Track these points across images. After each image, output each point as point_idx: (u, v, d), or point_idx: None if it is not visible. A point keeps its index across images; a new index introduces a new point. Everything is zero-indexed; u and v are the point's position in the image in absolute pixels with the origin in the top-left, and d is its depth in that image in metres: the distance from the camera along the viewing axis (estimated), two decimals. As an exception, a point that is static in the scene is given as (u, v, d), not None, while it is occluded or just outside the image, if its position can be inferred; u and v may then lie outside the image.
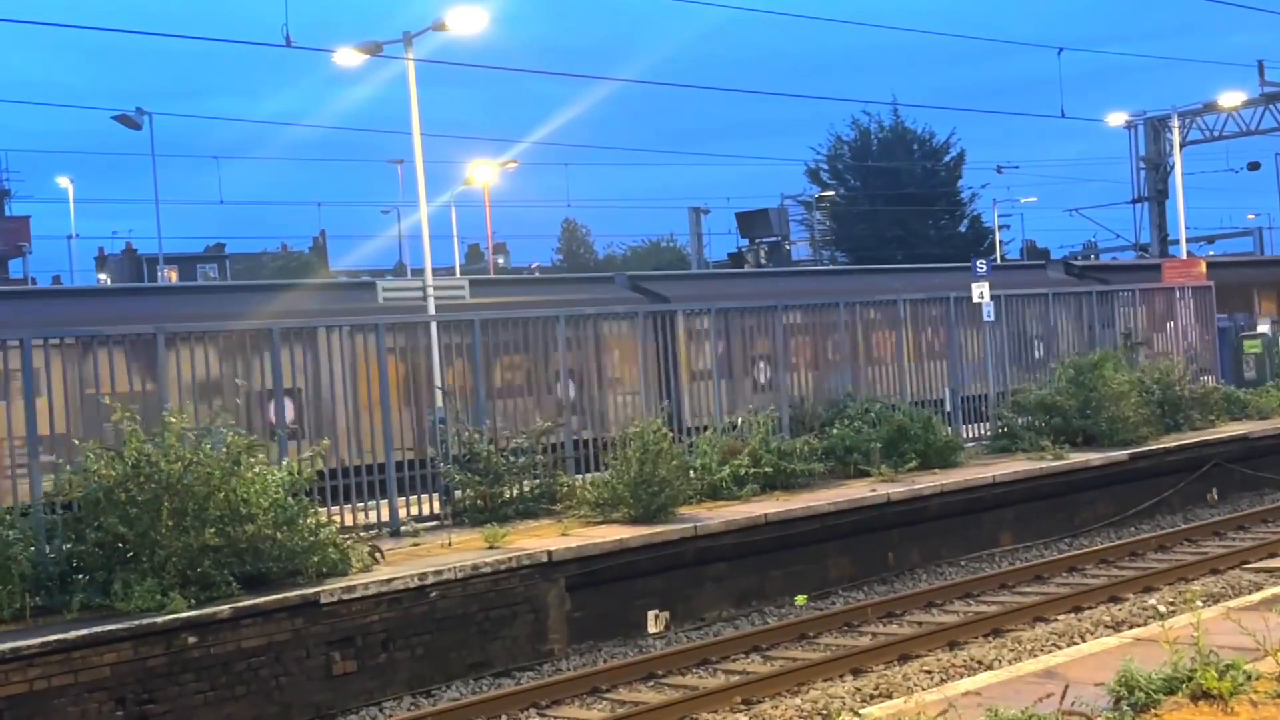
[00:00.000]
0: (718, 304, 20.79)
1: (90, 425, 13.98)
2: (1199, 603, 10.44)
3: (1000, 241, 68.29)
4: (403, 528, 15.93)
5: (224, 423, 13.51)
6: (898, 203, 63.71)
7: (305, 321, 17.12)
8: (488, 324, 17.71)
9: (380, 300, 19.16)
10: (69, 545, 12.76)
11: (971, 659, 12.93)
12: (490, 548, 14.55)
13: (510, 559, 14.05)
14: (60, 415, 13.94)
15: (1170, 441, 22.23)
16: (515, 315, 18.84)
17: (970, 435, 22.46)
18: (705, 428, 19.18)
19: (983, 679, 9.65)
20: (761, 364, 20.97)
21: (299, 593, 12.60)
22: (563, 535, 15.28)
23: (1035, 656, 12.02)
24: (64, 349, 14.60)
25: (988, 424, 22.80)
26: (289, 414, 15.82)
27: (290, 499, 13.21)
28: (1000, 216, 69.03)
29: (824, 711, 11.20)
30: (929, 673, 12.48)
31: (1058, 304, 24.68)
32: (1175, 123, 42.01)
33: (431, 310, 19.46)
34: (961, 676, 11.77)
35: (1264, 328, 30.71)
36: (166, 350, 14.80)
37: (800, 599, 16.16)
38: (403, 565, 13.81)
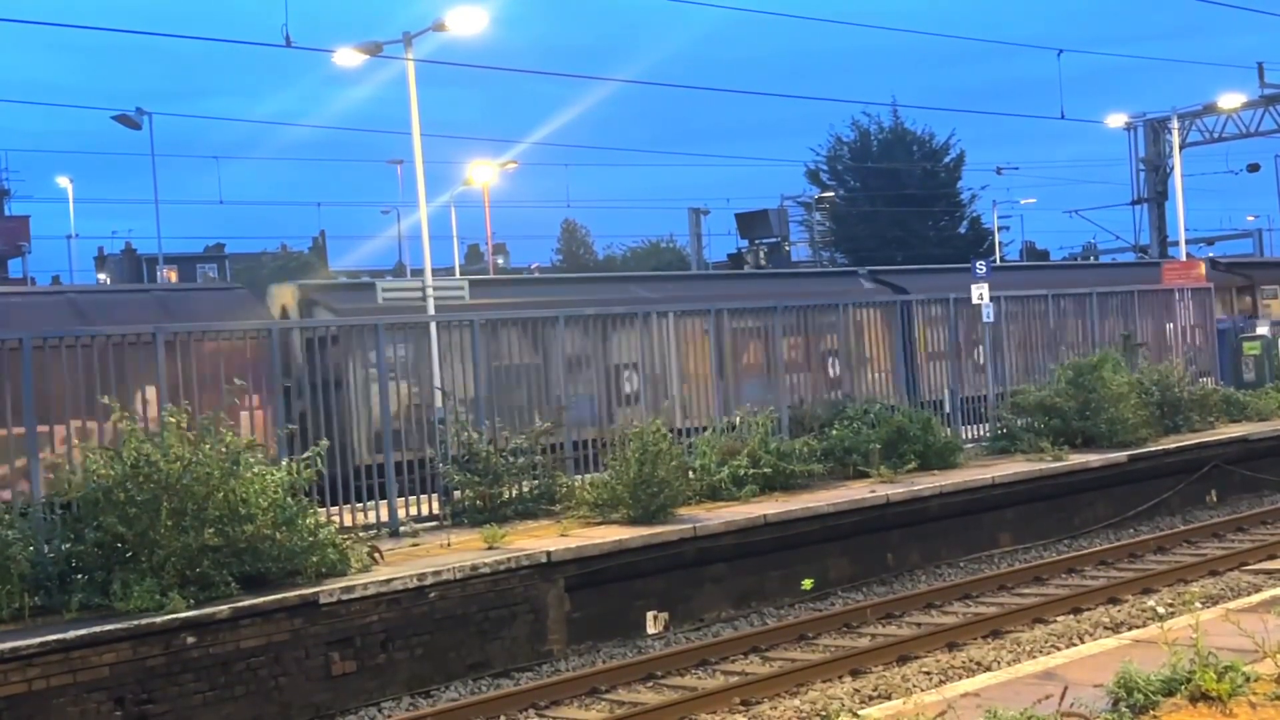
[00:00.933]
0: (954, 294, 22.97)
1: (500, 391, 17.71)
2: (1198, 604, 10.46)
3: (1000, 243, 68.34)
4: (402, 528, 15.94)
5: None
6: (897, 204, 63.72)
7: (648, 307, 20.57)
8: (780, 311, 20.94)
9: (385, 298, 19.83)
10: (68, 545, 12.76)
11: (971, 660, 12.94)
12: (489, 548, 14.55)
13: (509, 559, 14.05)
14: (483, 380, 17.19)
15: (1169, 443, 22.23)
16: (797, 304, 21.79)
17: (969, 436, 22.47)
18: (937, 401, 22.01)
19: (982, 680, 9.65)
20: (978, 348, 23.58)
21: (298, 593, 12.60)
22: (562, 536, 15.28)
23: (1034, 658, 12.03)
24: (478, 328, 17.39)
25: (987, 425, 22.82)
26: (633, 384, 19.16)
27: (289, 499, 13.21)
28: (1000, 218, 69.10)
29: (823, 712, 11.19)
30: (928, 674, 12.49)
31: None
32: (1175, 124, 42.00)
33: (431, 310, 19.47)
34: (961, 678, 11.78)
35: (1263, 329, 30.72)
36: (553, 329, 18.35)
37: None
38: (402, 565, 13.81)
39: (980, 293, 22.56)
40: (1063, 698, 7.98)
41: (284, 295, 22.17)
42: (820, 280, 32.11)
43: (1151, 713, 7.73)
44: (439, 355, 17.64)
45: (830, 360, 21.74)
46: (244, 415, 15.16)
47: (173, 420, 12.95)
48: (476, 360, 17.20)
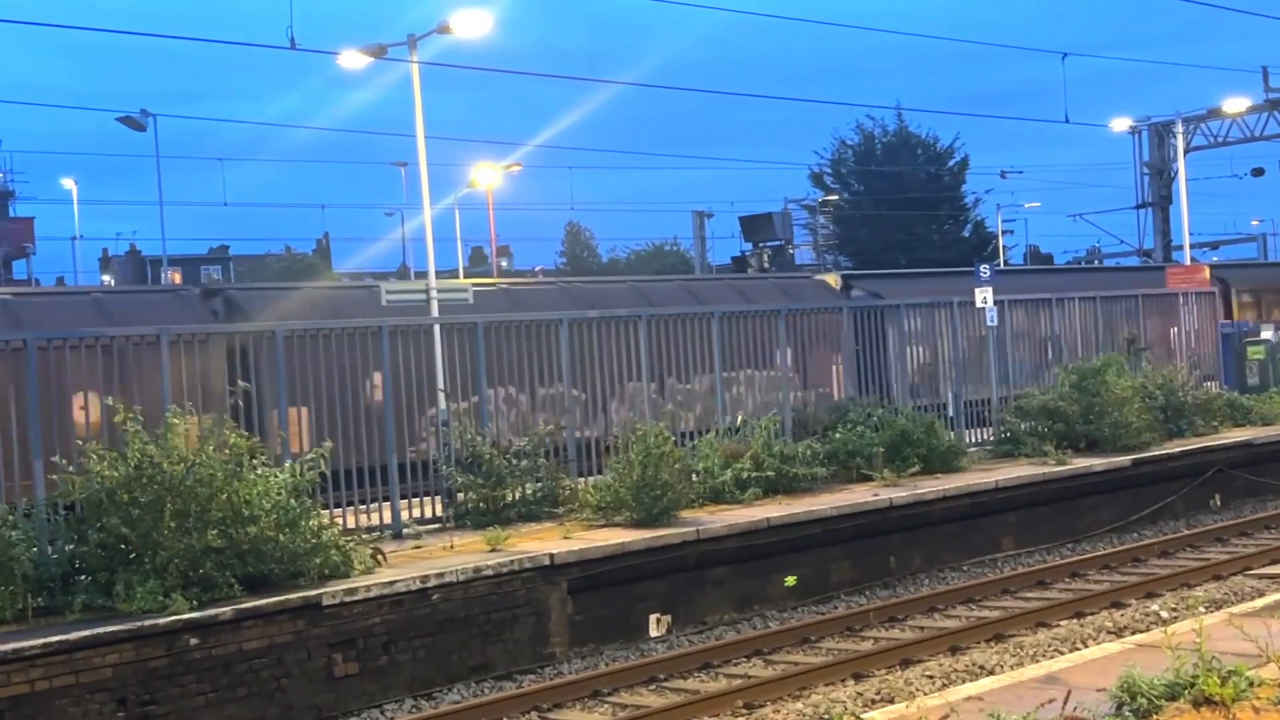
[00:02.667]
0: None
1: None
2: (1201, 608, 10.45)
3: (1004, 247, 68.29)
4: (405, 530, 15.94)
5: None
6: (901, 207, 63.69)
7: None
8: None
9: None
10: (71, 546, 12.77)
11: (973, 664, 12.93)
12: (492, 550, 14.55)
13: (512, 562, 14.05)
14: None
15: (1173, 447, 22.21)
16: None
17: (973, 440, 22.45)
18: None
19: (985, 684, 9.64)
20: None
21: (301, 595, 12.60)
22: (565, 538, 15.28)
23: (1037, 662, 12.01)
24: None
25: (990, 428, 22.81)
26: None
27: (292, 501, 13.22)
28: (1004, 221, 69.10)
29: (825, 715, 11.19)
30: (931, 677, 12.48)
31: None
32: (1179, 128, 42.01)
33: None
34: (963, 681, 11.77)
35: (1268, 334, 30.69)
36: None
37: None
38: (404, 567, 13.80)
39: (984, 296, 22.56)
40: (1066, 702, 7.96)
41: (830, 279, 29.46)
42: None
43: (1154, 717, 7.71)
44: (441, 356, 17.64)
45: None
46: (832, 368, 22.15)
47: (175, 421, 12.96)
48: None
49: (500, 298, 24.08)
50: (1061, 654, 12.52)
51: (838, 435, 19.62)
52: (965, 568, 18.21)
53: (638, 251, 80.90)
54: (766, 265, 44.42)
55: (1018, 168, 69.78)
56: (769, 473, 18.04)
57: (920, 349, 22.92)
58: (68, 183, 61.21)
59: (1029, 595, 16.27)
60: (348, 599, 12.79)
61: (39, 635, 11.32)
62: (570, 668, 13.96)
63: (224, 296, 21.94)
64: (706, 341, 19.73)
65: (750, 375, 20.91)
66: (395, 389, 16.43)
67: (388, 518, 16.02)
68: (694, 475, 17.59)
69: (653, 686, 12.89)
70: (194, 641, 11.86)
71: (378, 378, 16.50)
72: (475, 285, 22.78)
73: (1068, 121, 37.85)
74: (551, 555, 14.35)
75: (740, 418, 19.50)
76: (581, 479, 17.54)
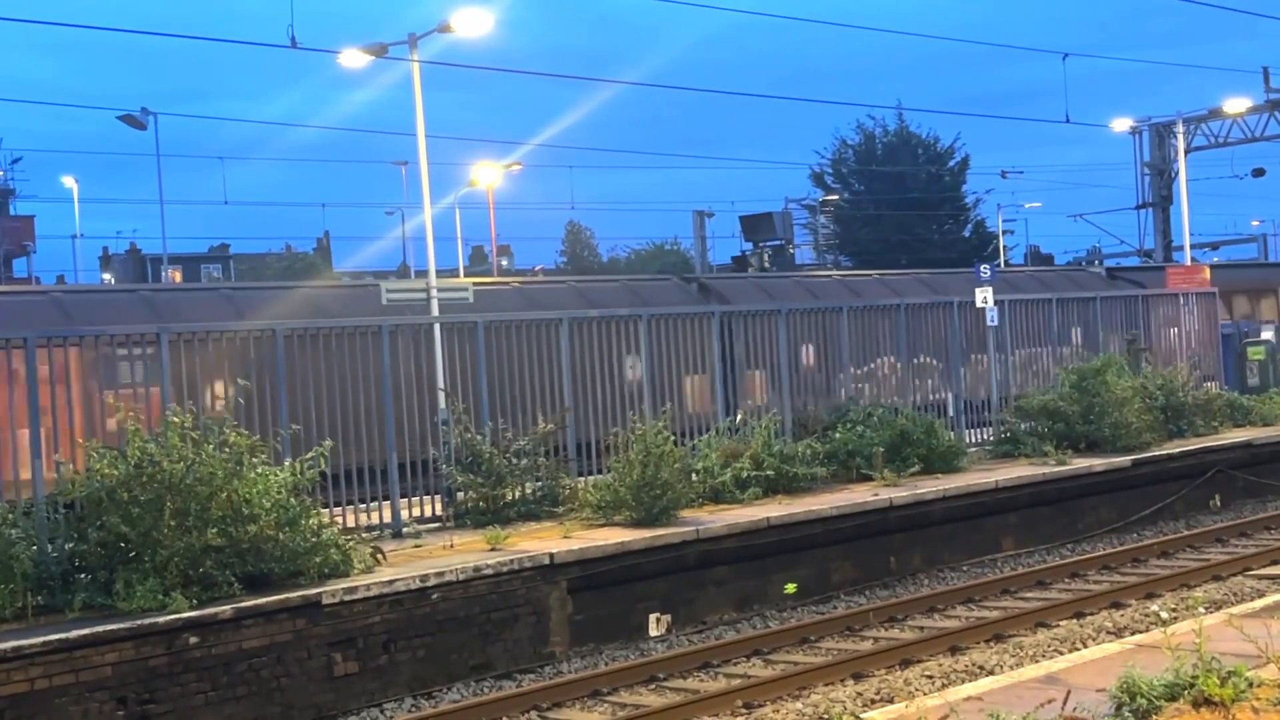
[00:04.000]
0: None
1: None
2: (1201, 609, 10.42)
3: (1005, 247, 68.28)
4: (405, 529, 15.95)
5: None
6: (902, 207, 63.70)
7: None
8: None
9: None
10: (71, 544, 12.77)
11: (973, 664, 12.93)
12: (492, 550, 14.55)
13: (512, 561, 14.05)
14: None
15: (1173, 448, 22.21)
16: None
17: (973, 440, 22.45)
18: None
19: (984, 684, 9.64)
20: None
21: (301, 593, 12.60)
22: (565, 538, 15.28)
23: (1037, 662, 12.00)
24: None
25: (990, 429, 22.81)
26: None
27: (292, 500, 13.22)
28: (1004, 221, 69.07)
29: (825, 715, 11.19)
30: (930, 677, 12.47)
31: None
32: (1180, 129, 42.00)
33: (435, 311, 19.47)
34: (963, 681, 11.77)
35: (1268, 334, 30.69)
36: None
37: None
38: (404, 567, 13.81)
39: (984, 296, 22.56)
40: (1065, 702, 7.97)
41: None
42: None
43: (1154, 718, 7.71)
44: (442, 356, 17.64)
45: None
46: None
47: (175, 420, 12.96)
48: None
49: (513, 296, 24.33)
50: (1061, 654, 12.51)
51: (837, 435, 19.62)
52: (965, 568, 18.21)
53: (638, 251, 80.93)
54: (767, 265, 44.45)
55: (1018, 168, 69.87)
56: (769, 472, 18.04)
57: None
58: (68, 181, 61.22)
59: (1029, 595, 16.27)
60: (348, 598, 12.79)
61: (39, 634, 11.32)
62: (570, 667, 13.96)
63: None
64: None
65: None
66: (396, 390, 16.41)
67: (387, 517, 16.03)
68: (693, 475, 17.59)
69: (652, 686, 12.89)
70: (194, 640, 11.86)
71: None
72: (491, 284, 22.83)
73: (1068, 121, 37.87)
74: (551, 554, 14.35)
75: (740, 416, 19.49)
76: (581, 479, 17.54)
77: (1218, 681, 7.91)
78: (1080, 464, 20.50)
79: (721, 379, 19.89)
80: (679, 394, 19.69)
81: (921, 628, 14.81)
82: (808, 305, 22.64)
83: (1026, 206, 72.89)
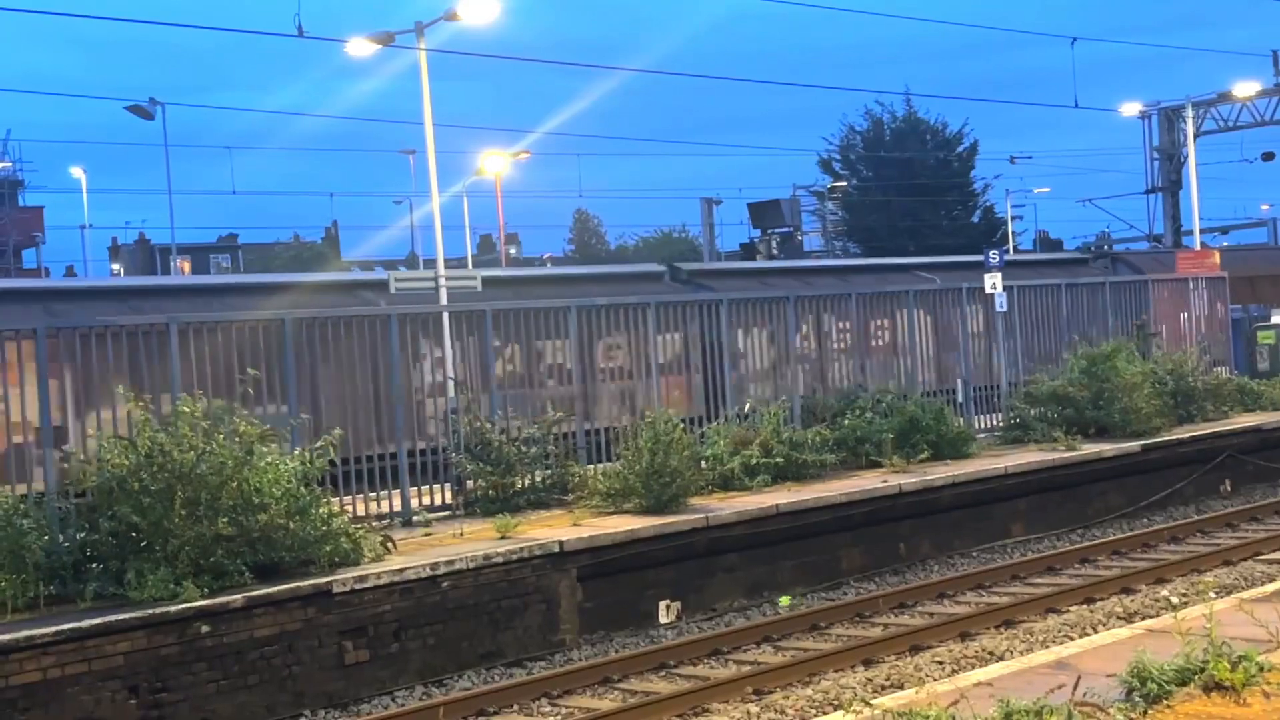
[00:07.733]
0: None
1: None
2: (1212, 594, 10.45)
3: (1013, 232, 68.13)
4: (414, 518, 15.97)
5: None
6: (910, 193, 63.52)
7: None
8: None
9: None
10: (82, 534, 12.81)
11: (983, 650, 12.93)
12: (502, 538, 14.57)
13: (522, 549, 14.07)
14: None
15: (1183, 433, 22.19)
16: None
17: (982, 426, 22.43)
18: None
19: (994, 670, 9.64)
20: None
21: (311, 582, 12.63)
22: (574, 525, 15.30)
23: (1047, 647, 12.00)
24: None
25: (1000, 414, 22.78)
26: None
27: (303, 488, 13.23)
28: (1013, 207, 68.87)
29: (835, 702, 11.20)
30: (940, 663, 12.48)
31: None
32: (1189, 113, 41.85)
33: (442, 299, 19.48)
34: (973, 667, 11.77)
35: (1278, 318, 30.62)
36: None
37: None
38: (415, 555, 13.83)
39: (993, 282, 22.53)
40: (1076, 687, 7.96)
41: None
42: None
43: (1165, 703, 7.71)
44: (450, 342, 17.66)
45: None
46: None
47: (186, 410, 12.97)
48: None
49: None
50: (1071, 640, 12.52)
51: (847, 422, 19.61)
52: (975, 554, 18.21)
53: (646, 238, 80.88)
54: (775, 252, 44.38)
55: (1027, 153, 69.75)
56: (778, 459, 18.04)
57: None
58: (77, 172, 61.31)
59: (1039, 581, 16.26)
60: (358, 586, 12.82)
61: (51, 623, 11.36)
62: (580, 654, 13.98)
63: None
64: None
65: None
66: (399, 380, 16.43)
67: (397, 505, 16.05)
68: (703, 462, 17.59)
69: (662, 673, 12.91)
70: (205, 629, 11.90)
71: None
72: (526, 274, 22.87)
73: (1077, 106, 37.68)
74: (561, 542, 14.37)
75: (749, 404, 19.49)
76: (591, 466, 17.55)
77: (1228, 666, 7.91)
78: (1090, 449, 20.47)
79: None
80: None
81: (931, 614, 14.81)
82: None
83: (1035, 192, 72.65)
